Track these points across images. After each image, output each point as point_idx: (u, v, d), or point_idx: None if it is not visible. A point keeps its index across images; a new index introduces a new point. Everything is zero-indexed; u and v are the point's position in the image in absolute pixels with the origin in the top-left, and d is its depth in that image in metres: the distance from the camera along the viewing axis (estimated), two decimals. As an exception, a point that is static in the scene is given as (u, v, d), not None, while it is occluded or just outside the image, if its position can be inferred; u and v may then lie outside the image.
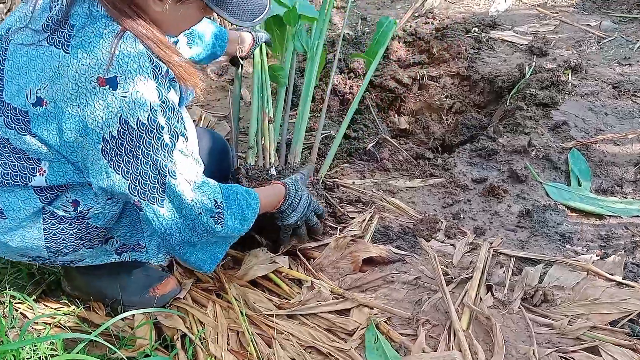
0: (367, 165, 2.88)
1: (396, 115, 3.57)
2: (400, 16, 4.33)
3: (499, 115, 3.25)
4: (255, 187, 2.14)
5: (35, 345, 1.77)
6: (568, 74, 3.33)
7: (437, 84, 3.63)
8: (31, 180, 1.62)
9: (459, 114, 3.55)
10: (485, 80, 3.54)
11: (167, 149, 1.54)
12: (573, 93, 3.17)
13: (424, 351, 1.76)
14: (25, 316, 1.97)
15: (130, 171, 1.53)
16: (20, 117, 1.53)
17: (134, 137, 1.49)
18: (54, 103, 1.48)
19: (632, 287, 1.94)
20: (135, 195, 1.57)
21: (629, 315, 1.83)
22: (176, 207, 1.62)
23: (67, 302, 2.04)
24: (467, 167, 2.76)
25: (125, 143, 1.49)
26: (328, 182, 2.61)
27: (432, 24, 4.11)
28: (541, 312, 1.88)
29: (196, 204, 1.63)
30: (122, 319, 1.87)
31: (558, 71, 3.30)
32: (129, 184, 1.54)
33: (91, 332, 1.79)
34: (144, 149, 1.51)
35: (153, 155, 1.53)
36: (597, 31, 3.91)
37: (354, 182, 2.68)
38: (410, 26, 4.05)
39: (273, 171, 2.24)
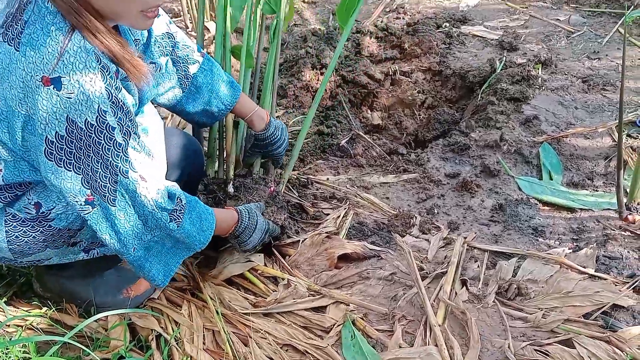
0: (341, 161, 2.88)
1: (369, 111, 3.58)
2: (371, 11, 4.33)
3: (471, 110, 3.27)
4: (211, 204, 2.11)
5: (7, 349, 1.74)
6: (538, 69, 3.36)
7: (409, 79, 3.64)
8: None
9: (431, 109, 3.56)
10: (456, 75, 3.56)
11: (120, 148, 1.51)
12: (543, 87, 3.20)
13: (400, 347, 1.76)
14: (-5, 319, 1.94)
15: (82, 167, 1.49)
16: None
17: (83, 137, 1.45)
18: (4, 101, 1.45)
19: (605, 279, 1.96)
20: (89, 189, 1.52)
21: (602, 307, 1.85)
22: (129, 204, 1.58)
23: (39, 304, 2.00)
24: (440, 162, 2.77)
25: (74, 141, 1.45)
26: (302, 179, 2.60)
27: (403, 19, 4.12)
28: (516, 306, 1.90)
29: (151, 200, 1.59)
30: (95, 320, 1.84)
31: (528, 66, 3.33)
32: (82, 178, 1.50)
33: (64, 334, 1.77)
34: (94, 148, 1.47)
35: (104, 154, 1.49)
36: (566, 25, 3.95)
37: (328, 179, 2.67)
38: (382, 21, 4.05)
39: (230, 188, 2.18)
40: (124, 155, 1.52)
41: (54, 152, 1.46)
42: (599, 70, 3.38)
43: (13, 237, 1.65)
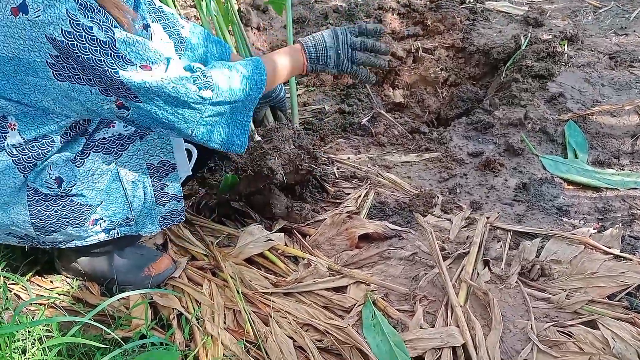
0: (362, 140, 2.86)
1: (391, 89, 3.54)
2: (393, -12, 4.27)
3: (495, 88, 3.23)
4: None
5: (29, 327, 1.76)
6: (564, 45, 3.30)
7: (432, 57, 3.60)
8: (5, 138, 1.59)
9: (454, 87, 3.52)
10: (480, 52, 3.50)
11: (106, 45, 1.46)
12: (569, 64, 3.14)
13: (421, 327, 1.75)
14: (19, 297, 1.95)
15: (91, 77, 1.47)
16: None
17: (68, 48, 1.43)
18: None
19: (630, 260, 1.93)
20: (112, 95, 1.50)
21: (627, 288, 1.82)
22: (150, 96, 1.53)
23: (61, 282, 2.02)
24: (463, 140, 2.74)
25: (68, 56, 1.44)
26: (323, 158, 2.59)
27: (426, -5, 4.06)
28: (539, 287, 1.88)
29: (165, 79, 1.53)
30: (117, 299, 1.85)
31: (554, 42, 3.27)
32: (97, 87, 1.49)
33: (86, 313, 1.78)
34: (84, 55, 1.44)
35: (94, 57, 1.45)
36: (593, 1, 3.88)
37: (349, 158, 2.65)
38: (404, -3, 4.00)
39: (256, 137, 2.19)
40: (113, 51, 1.46)
41: (62, 73, 1.46)
42: (627, 46, 3.31)
43: (36, 211, 1.66)
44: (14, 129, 1.59)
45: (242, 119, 1.75)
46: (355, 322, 1.80)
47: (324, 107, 3.13)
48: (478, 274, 1.92)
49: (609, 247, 1.99)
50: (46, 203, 1.66)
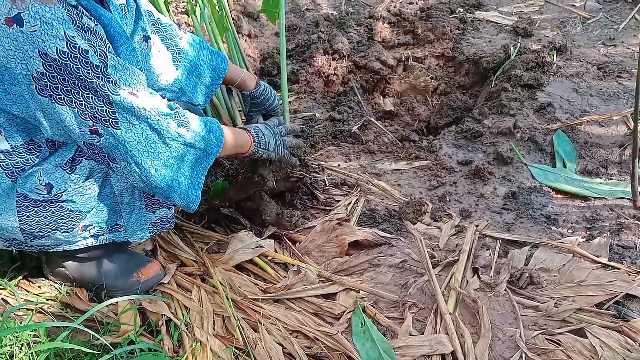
0: (353, 147, 2.86)
1: (381, 97, 3.55)
2: (384, -4, 4.30)
3: (484, 97, 3.25)
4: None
5: (17, 332, 1.74)
6: (553, 55, 3.32)
7: (422, 65, 3.61)
8: None
9: (444, 96, 3.54)
10: (470, 62, 3.52)
11: (99, 69, 1.48)
12: (558, 74, 3.16)
13: (410, 334, 1.75)
14: (6, 302, 1.94)
15: (72, 98, 1.48)
16: None
17: (61, 67, 1.44)
18: None
19: (618, 268, 1.95)
20: (89, 119, 1.51)
21: (615, 297, 1.84)
22: (133, 122, 1.55)
23: (49, 287, 2.01)
24: (453, 149, 2.75)
25: (55, 74, 1.45)
26: (313, 165, 2.59)
27: (416, 4, 4.09)
28: (527, 295, 1.89)
29: (151, 110, 1.57)
30: (106, 305, 1.85)
31: (543, 52, 3.29)
32: (76, 110, 1.49)
33: (74, 319, 1.78)
34: (76, 76, 1.46)
35: (86, 78, 1.47)
36: (581, 12, 3.91)
37: (339, 165, 2.66)
38: (395, 6, 4.03)
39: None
40: (105, 76, 1.49)
41: (44, 89, 1.46)
42: (615, 57, 3.34)
43: (25, 216, 1.66)
44: (1, 134, 1.58)
45: (198, 174, 1.76)
46: (344, 329, 1.80)
47: (315, 115, 3.13)
48: (467, 281, 1.93)
49: (597, 256, 2.00)
50: (35, 209, 1.66)
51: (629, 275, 1.91)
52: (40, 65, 1.43)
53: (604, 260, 1.98)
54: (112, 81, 1.50)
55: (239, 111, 2.34)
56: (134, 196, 1.78)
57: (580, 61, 3.30)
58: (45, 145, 1.64)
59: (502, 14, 3.97)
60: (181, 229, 2.23)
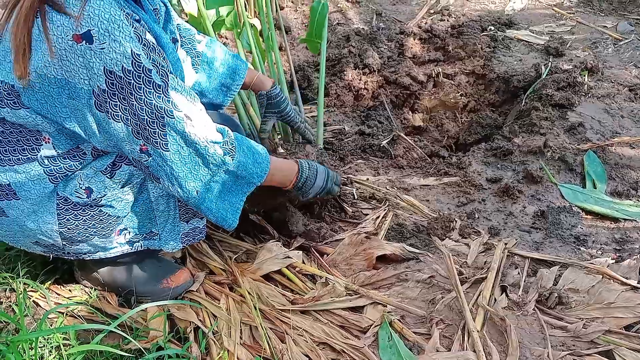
0: (381, 161, 2.87)
1: (410, 112, 3.56)
2: (415, 12, 4.31)
3: (514, 115, 3.24)
4: None
5: (50, 334, 1.77)
6: (584, 75, 3.31)
7: (452, 82, 3.62)
8: (39, 150, 1.62)
9: (473, 113, 3.53)
10: (500, 80, 3.52)
11: (160, 89, 1.53)
12: (589, 94, 3.15)
13: (437, 351, 1.75)
14: (37, 305, 1.97)
15: (129, 117, 1.52)
16: (11, 92, 1.53)
17: (124, 85, 1.48)
18: (35, 73, 1.48)
19: (648, 291, 1.93)
20: (140, 139, 1.55)
21: (644, 320, 1.82)
22: (181, 145, 1.60)
23: (79, 291, 2.04)
24: (482, 166, 2.75)
25: (116, 92, 1.48)
26: (342, 178, 2.60)
27: (447, 21, 4.10)
28: (556, 315, 1.87)
29: (201, 137, 1.61)
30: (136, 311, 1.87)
31: (574, 72, 3.28)
32: (131, 128, 1.54)
33: (104, 323, 1.80)
34: (136, 95, 1.50)
35: (146, 98, 1.51)
36: (613, 33, 3.89)
37: (368, 179, 2.67)
38: (426, 23, 4.04)
39: (281, 149, 2.24)
40: (165, 96, 1.54)
41: (102, 105, 1.50)
42: (647, 79, 3.32)
43: (64, 219, 1.69)
44: (49, 142, 1.62)
45: (238, 200, 1.80)
46: (371, 342, 1.81)
47: (344, 128, 3.15)
48: (495, 299, 1.92)
49: (627, 278, 1.99)
50: (75, 212, 1.69)
51: (659, 298, 1.90)
52: (103, 82, 1.47)
53: (634, 282, 1.96)
54: (171, 102, 1.55)
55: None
56: (169, 204, 1.81)
57: (612, 82, 3.29)
58: (90, 154, 1.68)
59: (533, 33, 3.97)
60: (210, 238, 2.25)
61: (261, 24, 2.47)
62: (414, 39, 3.82)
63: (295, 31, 4.07)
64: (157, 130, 1.55)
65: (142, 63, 1.49)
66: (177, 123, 1.56)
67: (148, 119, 1.53)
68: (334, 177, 2.15)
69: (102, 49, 1.44)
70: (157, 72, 1.52)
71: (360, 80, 3.50)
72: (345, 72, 3.50)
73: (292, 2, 4.30)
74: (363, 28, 4.04)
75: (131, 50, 1.47)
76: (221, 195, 1.75)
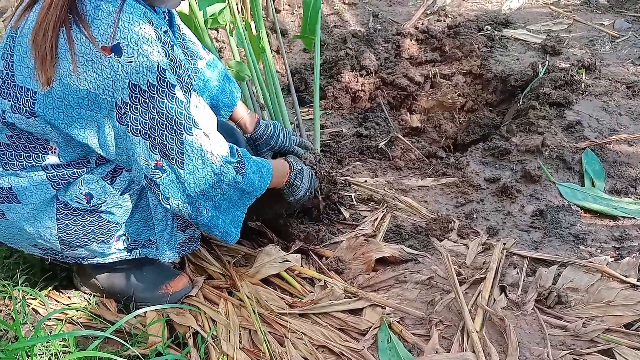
0: (379, 163, 2.87)
1: (408, 114, 3.56)
2: (412, 13, 4.31)
3: (512, 115, 3.24)
4: None
5: (47, 342, 1.77)
6: (582, 74, 3.31)
7: (450, 82, 3.61)
8: (44, 158, 1.63)
9: (471, 113, 3.53)
10: (498, 79, 3.52)
11: (182, 105, 1.54)
12: (587, 93, 3.15)
13: (437, 352, 1.75)
14: (37, 312, 1.97)
15: (148, 131, 1.53)
16: (29, 98, 1.53)
17: (147, 99, 1.49)
18: (59, 80, 1.48)
19: (647, 289, 1.93)
20: (157, 154, 1.56)
21: (644, 317, 1.82)
22: (197, 165, 1.61)
23: (78, 298, 2.04)
24: (480, 166, 2.75)
25: (139, 106, 1.49)
26: (340, 180, 2.60)
27: (444, 21, 4.10)
28: (555, 314, 1.87)
29: (217, 155, 1.63)
30: (134, 316, 1.87)
31: (571, 70, 3.27)
32: (149, 143, 1.54)
33: (103, 329, 1.79)
34: (158, 109, 1.51)
35: (167, 113, 1.52)
36: (610, 30, 3.89)
37: (366, 181, 2.66)
38: (423, 24, 4.04)
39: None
40: (187, 113, 1.55)
41: (123, 118, 1.51)
42: (644, 76, 3.32)
43: (63, 224, 1.69)
44: (55, 151, 1.62)
45: (240, 213, 1.82)
46: (370, 345, 1.81)
47: (342, 130, 3.15)
48: (494, 299, 1.92)
49: (626, 276, 1.98)
50: (74, 218, 1.69)
51: (659, 296, 1.89)
52: (127, 95, 1.48)
53: (633, 280, 1.96)
54: (192, 119, 1.56)
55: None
56: (167, 212, 1.81)
57: (609, 80, 3.28)
58: (94, 163, 1.69)
59: (530, 32, 3.96)
60: (209, 242, 2.25)
61: (255, 25, 2.46)
62: (411, 40, 3.82)
63: (291, 34, 4.07)
64: (175, 147, 1.56)
65: (167, 78, 1.50)
66: (195, 141, 1.58)
67: (167, 134, 1.54)
68: (314, 180, 2.18)
69: (129, 62, 1.45)
70: (180, 88, 1.54)
71: (357, 82, 3.50)
72: (342, 74, 3.50)
73: (288, 5, 4.31)
74: (360, 30, 4.04)
75: (158, 66, 1.48)
76: (226, 211, 1.77)
